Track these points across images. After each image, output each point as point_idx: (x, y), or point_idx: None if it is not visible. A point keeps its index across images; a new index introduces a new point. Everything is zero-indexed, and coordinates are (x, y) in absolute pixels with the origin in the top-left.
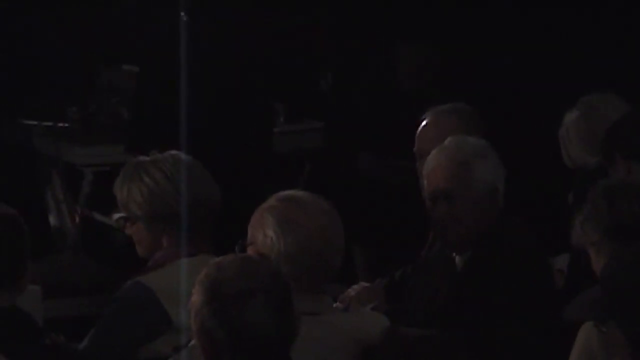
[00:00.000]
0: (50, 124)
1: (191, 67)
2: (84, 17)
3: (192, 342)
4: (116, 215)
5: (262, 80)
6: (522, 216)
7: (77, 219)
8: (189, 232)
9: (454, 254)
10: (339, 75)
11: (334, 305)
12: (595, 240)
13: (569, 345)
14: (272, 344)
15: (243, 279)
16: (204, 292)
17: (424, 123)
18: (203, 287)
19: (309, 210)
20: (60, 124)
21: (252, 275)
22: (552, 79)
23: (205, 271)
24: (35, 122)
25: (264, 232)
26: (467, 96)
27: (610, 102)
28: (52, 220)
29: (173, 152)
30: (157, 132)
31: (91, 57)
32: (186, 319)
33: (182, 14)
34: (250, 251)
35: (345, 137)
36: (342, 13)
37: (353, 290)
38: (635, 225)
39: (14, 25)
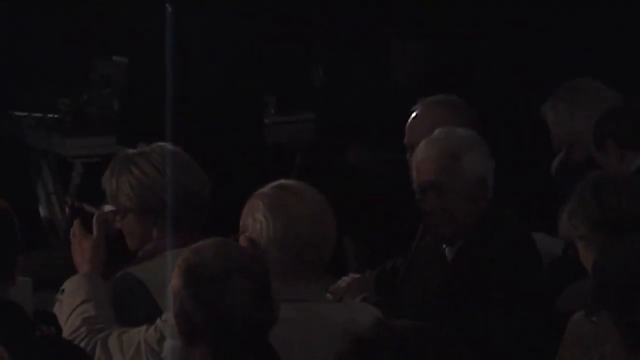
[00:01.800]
0: (40, 115)
1: (182, 59)
2: (77, 10)
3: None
4: (106, 208)
5: (253, 72)
6: (512, 206)
7: (67, 211)
8: (178, 224)
9: (445, 245)
10: (331, 67)
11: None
12: (583, 234)
13: (560, 336)
14: (249, 327)
15: (219, 261)
16: (182, 275)
17: (414, 114)
18: (181, 270)
19: (300, 197)
20: (51, 116)
21: (228, 257)
22: (543, 73)
23: (183, 255)
24: (25, 114)
25: (253, 217)
26: (459, 91)
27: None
28: (43, 211)
29: (161, 143)
30: (149, 125)
31: (83, 49)
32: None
33: (167, 5)
34: (241, 239)
35: (337, 129)
36: (337, 7)
37: (343, 281)
38: (623, 219)
39: (6, 19)
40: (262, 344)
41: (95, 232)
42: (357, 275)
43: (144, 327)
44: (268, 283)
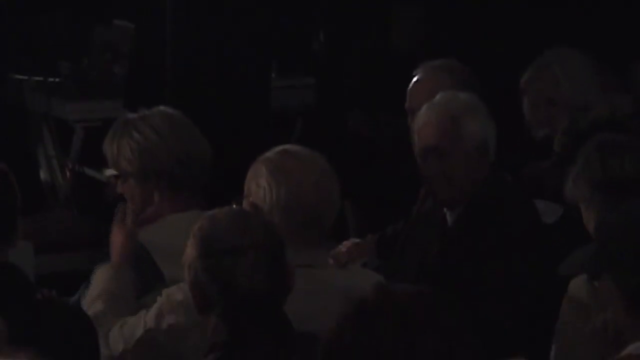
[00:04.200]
0: (41, 79)
1: (185, 24)
2: None
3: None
4: (108, 173)
5: (256, 37)
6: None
7: (68, 175)
8: (179, 188)
9: (446, 210)
10: (332, 33)
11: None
12: (586, 196)
13: (561, 301)
14: (264, 299)
15: (236, 235)
16: (197, 246)
17: (415, 79)
18: (196, 241)
19: (304, 163)
20: (52, 80)
21: (245, 230)
22: (545, 38)
23: (199, 224)
24: (26, 77)
25: (257, 183)
26: (460, 55)
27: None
28: (43, 175)
29: (162, 107)
30: (154, 89)
31: (84, 13)
32: (173, 274)
33: None
34: (245, 204)
35: (337, 93)
36: None
37: (344, 246)
38: (624, 181)
39: None
40: (276, 313)
41: (128, 223)
42: (357, 240)
43: (142, 313)
44: (283, 254)
